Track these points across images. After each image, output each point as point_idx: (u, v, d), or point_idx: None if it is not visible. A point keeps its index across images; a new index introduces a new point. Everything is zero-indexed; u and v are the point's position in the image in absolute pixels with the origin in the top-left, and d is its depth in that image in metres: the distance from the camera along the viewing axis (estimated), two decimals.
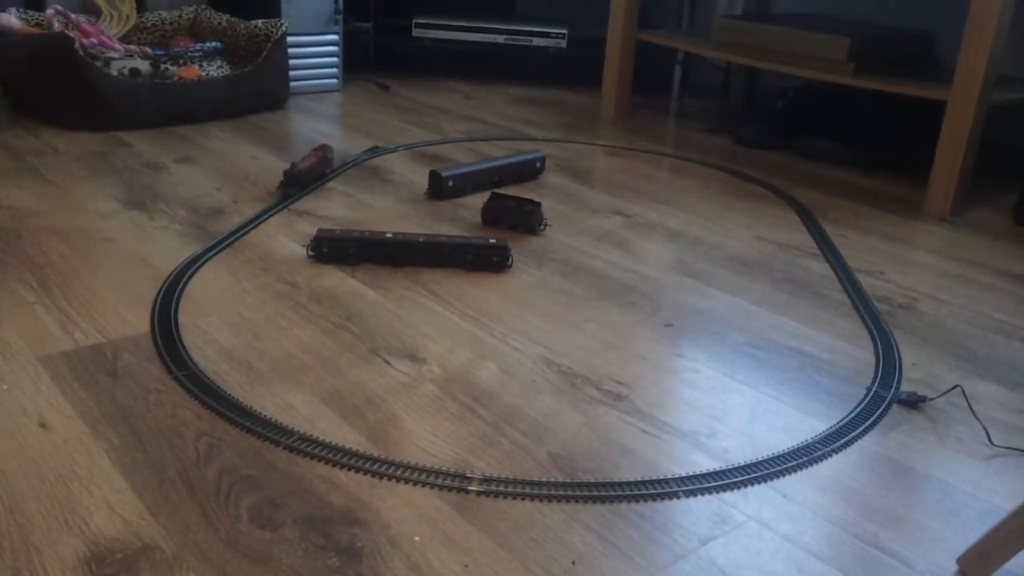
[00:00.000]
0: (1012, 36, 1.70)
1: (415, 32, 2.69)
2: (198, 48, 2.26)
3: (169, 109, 2.07)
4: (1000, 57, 1.67)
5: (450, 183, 1.69)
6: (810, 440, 0.99)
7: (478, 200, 1.65)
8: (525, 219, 1.54)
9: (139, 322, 1.16)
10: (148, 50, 2.16)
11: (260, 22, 2.27)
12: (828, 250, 1.55)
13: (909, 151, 2.05)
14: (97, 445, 0.90)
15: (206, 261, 1.36)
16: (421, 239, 1.38)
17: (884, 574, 0.80)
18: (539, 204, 1.55)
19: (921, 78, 1.88)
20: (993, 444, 1.00)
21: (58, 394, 0.99)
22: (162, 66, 2.10)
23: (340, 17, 2.46)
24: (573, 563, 0.78)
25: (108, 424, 0.94)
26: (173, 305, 1.21)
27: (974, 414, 1.06)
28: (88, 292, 1.23)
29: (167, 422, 0.95)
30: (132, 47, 2.15)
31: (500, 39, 2.68)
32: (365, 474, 0.89)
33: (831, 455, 0.96)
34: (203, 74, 2.16)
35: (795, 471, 0.93)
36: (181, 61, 2.19)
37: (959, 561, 0.80)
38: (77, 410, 0.96)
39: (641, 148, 2.15)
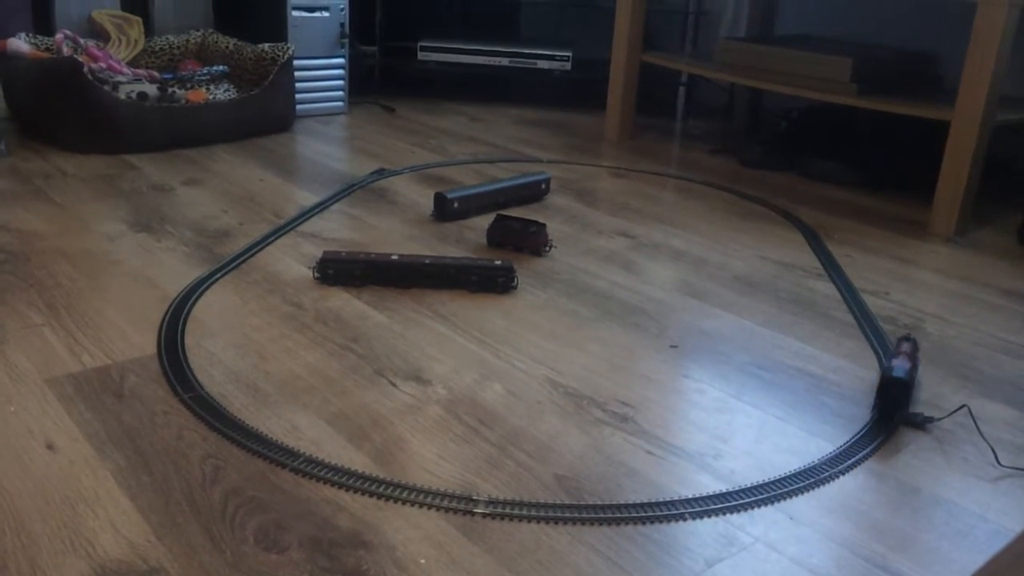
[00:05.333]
0: (1015, 57, 1.70)
1: (420, 55, 2.71)
2: (205, 72, 2.28)
3: (176, 132, 2.08)
4: (1003, 78, 1.68)
5: (455, 205, 1.70)
6: (817, 461, 0.98)
7: (483, 222, 1.66)
8: (530, 240, 1.55)
9: (146, 344, 1.16)
10: (156, 74, 2.18)
11: (267, 46, 2.29)
12: (833, 270, 1.55)
13: (913, 171, 2.05)
14: (103, 467, 0.90)
15: (212, 283, 1.36)
16: (427, 261, 1.38)
17: None
18: (544, 225, 1.55)
19: (924, 99, 1.89)
20: (1001, 464, 1.00)
21: (65, 416, 0.99)
22: (170, 89, 2.11)
23: (346, 41, 2.48)
24: None
25: (114, 446, 0.94)
26: (180, 327, 1.21)
27: (981, 434, 1.05)
28: (95, 314, 1.24)
29: (173, 444, 0.95)
30: (140, 71, 2.16)
31: (505, 62, 2.70)
32: (371, 496, 0.88)
33: (838, 476, 0.96)
34: (210, 97, 2.18)
35: (802, 492, 0.93)
36: (188, 84, 2.21)
37: None
38: (83, 432, 0.96)
39: (646, 169, 2.15)
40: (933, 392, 1.15)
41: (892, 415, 1.06)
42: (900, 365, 1.10)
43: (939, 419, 1.08)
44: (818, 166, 2.13)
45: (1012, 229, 1.81)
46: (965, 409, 1.10)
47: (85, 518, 0.83)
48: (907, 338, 1.20)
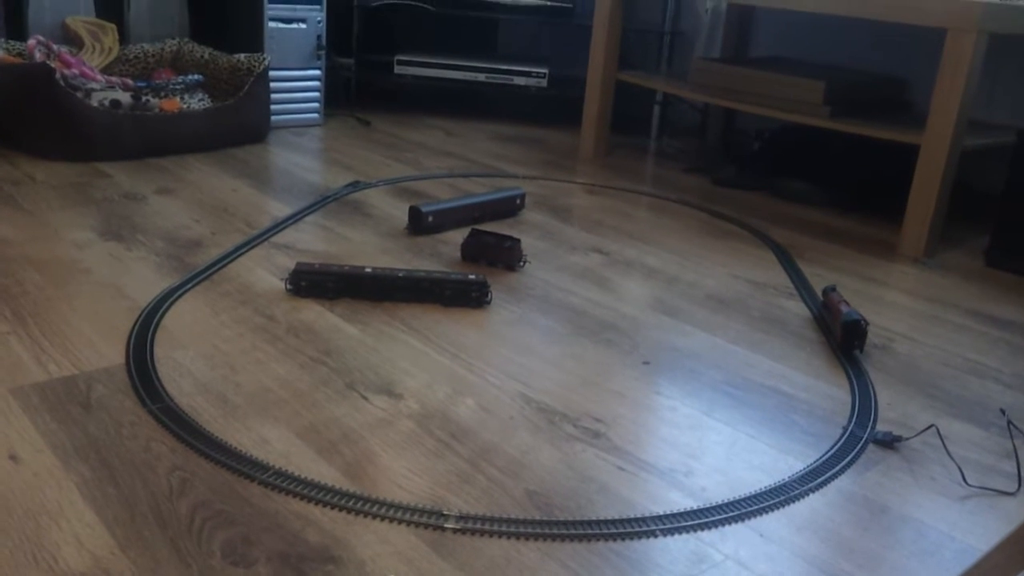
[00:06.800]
0: (983, 83, 1.73)
1: (397, 69, 2.71)
2: (180, 80, 2.26)
3: (149, 141, 2.06)
4: (972, 103, 1.71)
5: (430, 219, 1.70)
6: (787, 479, 0.99)
7: (458, 236, 1.66)
8: (505, 255, 1.55)
9: (114, 354, 1.15)
10: (130, 81, 2.16)
11: (243, 56, 2.28)
12: (804, 289, 1.56)
13: (883, 193, 2.08)
14: (68, 479, 0.89)
15: (183, 293, 1.35)
16: (400, 274, 1.38)
17: None
18: (519, 241, 1.55)
19: (895, 122, 1.92)
20: (968, 484, 1.01)
21: (29, 426, 0.97)
22: (143, 98, 2.10)
23: (323, 53, 2.48)
24: None
25: (80, 457, 0.92)
26: (149, 337, 1.20)
27: (948, 454, 1.06)
28: (63, 323, 1.22)
29: (140, 456, 0.94)
30: (114, 78, 2.15)
31: (481, 77, 2.70)
32: (340, 511, 0.88)
33: (808, 494, 0.97)
34: (184, 106, 2.17)
35: (772, 510, 0.93)
36: (162, 93, 2.19)
37: None
38: (48, 443, 0.94)
39: (620, 186, 2.17)
40: (902, 411, 1.16)
41: (851, 350, 1.31)
42: (850, 311, 1.32)
43: (907, 438, 1.09)
44: (790, 186, 2.16)
45: (980, 251, 1.84)
46: (933, 429, 1.11)
47: (48, 531, 0.81)
48: (832, 288, 1.40)
